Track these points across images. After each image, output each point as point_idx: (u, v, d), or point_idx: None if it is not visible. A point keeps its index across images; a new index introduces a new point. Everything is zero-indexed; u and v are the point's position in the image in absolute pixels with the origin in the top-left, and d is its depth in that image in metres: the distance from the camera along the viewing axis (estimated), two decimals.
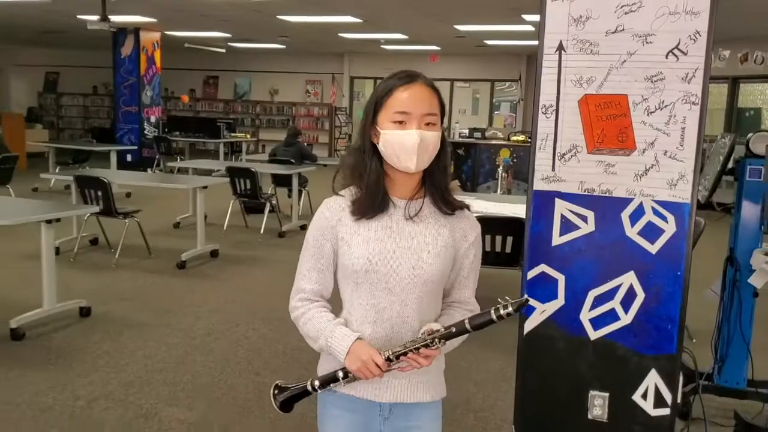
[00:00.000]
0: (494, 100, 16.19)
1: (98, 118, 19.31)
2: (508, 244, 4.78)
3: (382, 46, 14.26)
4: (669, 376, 2.76)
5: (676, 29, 2.60)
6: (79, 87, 19.39)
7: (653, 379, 2.78)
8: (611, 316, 2.77)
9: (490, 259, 4.78)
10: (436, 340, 1.45)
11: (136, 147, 12.75)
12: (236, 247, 6.88)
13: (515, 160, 11.21)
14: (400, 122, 1.50)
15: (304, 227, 7.90)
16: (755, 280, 3.20)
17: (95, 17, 9.71)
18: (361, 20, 10.29)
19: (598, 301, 2.78)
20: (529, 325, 2.89)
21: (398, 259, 1.54)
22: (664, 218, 2.68)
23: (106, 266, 5.92)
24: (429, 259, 1.55)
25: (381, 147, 1.53)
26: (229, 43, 14.89)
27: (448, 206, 1.59)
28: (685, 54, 2.61)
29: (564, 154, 2.73)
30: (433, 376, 1.64)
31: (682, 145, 2.65)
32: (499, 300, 1.45)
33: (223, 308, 4.92)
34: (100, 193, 5.88)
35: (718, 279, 3.54)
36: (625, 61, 2.64)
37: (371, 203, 1.54)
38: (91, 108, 19.51)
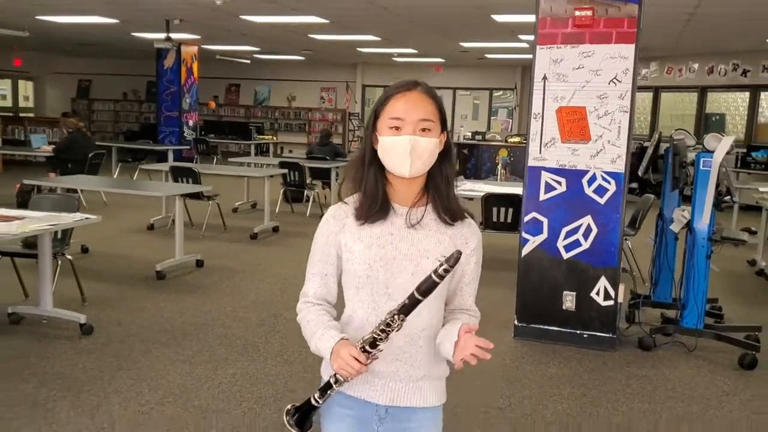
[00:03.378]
0: (492, 107, 17.89)
1: (127, 122, 20.90)
2: (509, 215, 6.44)
3: (393, 58, 15.94)
4: (613, 280, 4.46)
5: (614, 67, 4.30)
6: (109, 93, 20.98)
7: (603, 282, 4.47)
8: (576, 243, 4.48)
9: (495, 226, 6.45)
10: (395, 316, 1.46)
11: (189, 147, 14.39)
12: (290, 226, 8.53)
13: (512, 158, 12.88)
14: (396, 128, 1.54)
15: None
16: (674, 227, 4.87)
17: (152, 35, 11.44)
18: (380, 38, 11.97)
19: (568, 234, 4.48)
20: (525, 251, 4.59)
21: (398, 265, 1.56)
22: (608, 182, 4.38)
23: (195, 237, 7.55)
24: (428, 265, 1.52)
25: (379, 153, 1.56)
26: (254, 55, 16.55)
27: (450, 215, 1.60)
28: (620, 82, 4.31)
29: (547, 143, 4.43)
30: (432, 381, 1.66)
31: (618, 138, 4.36)
32: (439, 260, 1.47)
33: (297, 265, 6.55)
34: (191, 180, 7.53)
35: (653, 231, 5.22)
36: (584, 86, 4.35)
37: (370, 208, 1.58)
38: (121, 113, 21.09)
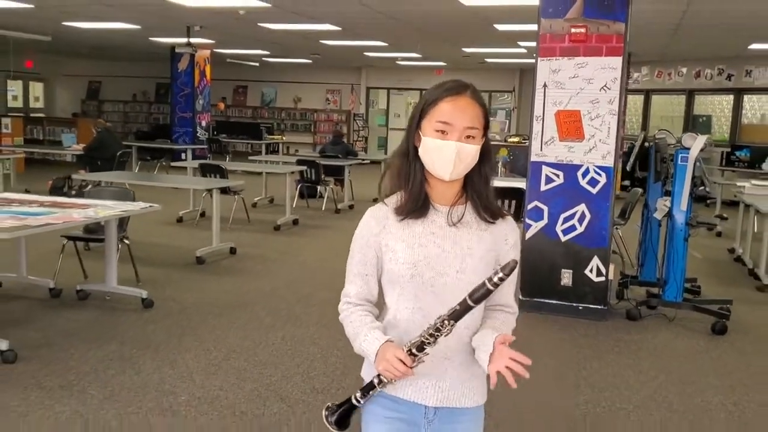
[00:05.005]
0: (491, 108, 18.59)
1: (137, 123, 21.51)
2: (512, 207, 7.12)
3: (397, 62, 16.64)
4: (604, 259, 5.14)
5: (604, 76, 4.98)
6: (119, 95, 21.61)
7: (595, 261, 5.14)
8: (572, 228, 5.15)
9: None
10: (445, 321, 1.47)
11: (205, 146, 15.04)
12: (308, 219, 9.20)
13: (512, 157, 13.54)
14: (442, 132, 1.54)
15: (351, 206, 10.25)
16: (658, 215, 5.56)
17: (171, 40, 12.11)
18: (387, 44, 12.66)
19: (565, 220, 5.16)
20: (528, 234, 5.27)
21: (443, 263, 1.57)
22: (600, 174, 5.06)
23: (223, 228, 8.17)
24: (473, 262, 1.57)
25: (420, 152, 1.58)
26: (263, 58, 17.22)
27: (489, 214, 1.62)
28: (610, 89, 4.99)
29: (546, 142, 5.11)
30: (479, 381, 1.67)
31: (608, 137, 5.04)
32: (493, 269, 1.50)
33: (320, 251, 7.26)
34: (218, 176, 8.20)
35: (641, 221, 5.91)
36: (578, 92, 5.03)
37: (414, 204, 1.59)
38: (130, 114, 21.72)
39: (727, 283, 6.45)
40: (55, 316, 4.82)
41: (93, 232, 5.60)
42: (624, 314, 5.24)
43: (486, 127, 1.61)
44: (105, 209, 4.79)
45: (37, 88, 22.00)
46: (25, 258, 5.34)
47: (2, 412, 3.30)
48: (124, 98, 21.61)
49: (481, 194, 1.62)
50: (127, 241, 5.59)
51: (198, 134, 15.48)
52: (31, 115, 19.93)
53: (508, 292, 1.68)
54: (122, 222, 5.51)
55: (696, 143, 4.98)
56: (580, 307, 5.17)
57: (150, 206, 5.06)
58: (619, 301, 5.56)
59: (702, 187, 5.05)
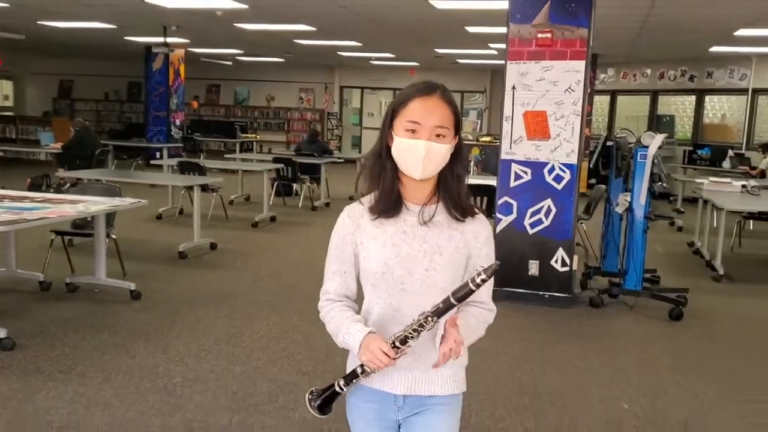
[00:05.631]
0: (463, 108, 18.96)
1: (109, 122, 21.46)
2: (484, 203, 7.44)
3: (371, 62, 16.90)
4: (568, 251, 5.47)
5: (568, 79, 5.30)
6: (91, 94, 21.52)
7: (560, 252, 5.47)
8: (539, 221, 5.48)
9: None
10: (428, 318, 1.53)
11: (182, 145, 15.13)
12: (284, 216, 9.43)
13: (483, 156, 13.91)
14: (412, 131, 1.59)
15: (328, 204, 10.49)
16: (619, 209, 5.91)
17: (145, 39, 12.21)
18: (360, 44, 12.92)
19: (533, 214, 5.48)
20: (498, 228, 5.58)
21: (412, 261, 1.63)
22: (564, 171, 5.39)
23: (202, 225, 8.36)
24: (441, 261, 1.62)
25: (393, 151, 1.63)
26: (237, 57, 17.35)
27: (460, 212, 1.67)
28: (574, 91, 5.31)
29: (515, 140, 5.43)
30: (450, 369, 1.69)
31: (572, 136, 5.36)
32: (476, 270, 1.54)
33: (299, 246, 7.51)
34: (197, 173, 8.39)
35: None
36: (545, 94, 5.34)
37: (386, 203, 1.65)
38: (103, 113, 21.64)
39: (685, 274, 6.84)
40: (48, 308, 5.01)
41: (80, 228, 5.78)
42: (587, 302, 5.58)
43: (457, 127, 1.65)
44: (95, 204, 4.99)
45: (6, 87, 21.82)
46: (13, 253, 5.50)
47: (6, 395, 3.50)
48: (96, 97, 21.53)
49: (452, 193, 1.67)
50: (113, 236, 5.78)
51: (172, 133, 15.58)
52: (1, 113, 19.76)
53: (484, 291, 1.70)
54: (109, 218, 5.69)
55: (654, 142, 5.34)
56: (546, 296, 5.50)
57: (138, 201, 5.26)
58: (582, 290, 5.91)
59: (660, 183, 5.41)
